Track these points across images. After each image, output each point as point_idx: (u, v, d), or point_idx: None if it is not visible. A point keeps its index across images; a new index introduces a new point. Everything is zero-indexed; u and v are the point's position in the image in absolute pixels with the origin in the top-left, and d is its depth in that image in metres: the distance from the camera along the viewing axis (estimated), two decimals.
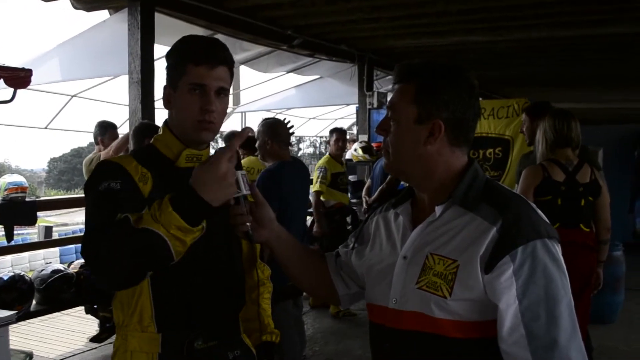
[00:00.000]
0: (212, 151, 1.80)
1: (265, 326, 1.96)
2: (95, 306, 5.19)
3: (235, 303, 1.84)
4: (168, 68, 1.72)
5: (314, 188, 6.11)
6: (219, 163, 1.45)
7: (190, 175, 1.52)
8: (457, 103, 1.44)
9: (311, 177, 6.21)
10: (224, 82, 1.68)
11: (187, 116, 1.66)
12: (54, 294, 4.28)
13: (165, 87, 1.72)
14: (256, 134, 4.24)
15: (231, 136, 6.58)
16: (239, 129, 9.09)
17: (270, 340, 1.96)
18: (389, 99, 1.54)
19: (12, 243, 5.63)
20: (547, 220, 1.39)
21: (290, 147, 4.88)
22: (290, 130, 4.32)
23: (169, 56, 1.72)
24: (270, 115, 12.27)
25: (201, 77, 1.63)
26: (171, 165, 1.72)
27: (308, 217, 5.89)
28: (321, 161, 6.62)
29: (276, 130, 4.11)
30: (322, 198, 6.31)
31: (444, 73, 1.46)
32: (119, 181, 1.58)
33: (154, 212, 1.44)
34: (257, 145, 4.22)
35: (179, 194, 1.45)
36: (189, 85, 1.64)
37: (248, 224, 1.63)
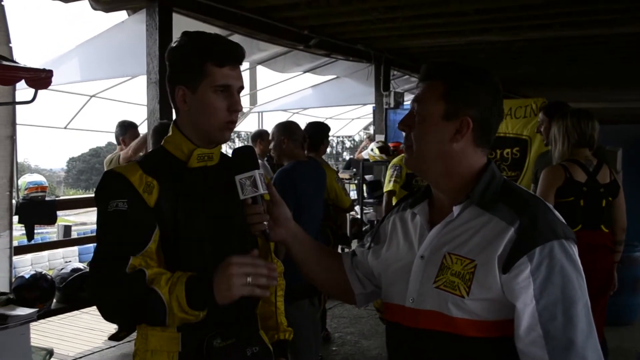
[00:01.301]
0: (224, 149, 1.82)
1: (280, 324, 1.97)
2: None
3: (251, 300, 1.84)
4: (181, 65, 1.69)
5: (386, 188, 5.66)
6: (234, 279, 1.50)
7: (201, 174, 1.63)
8: (485, 103, 1.45)
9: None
10: (242, 81, 1.71)
11: (213, 117, 1.67)
12: (73, 292, 4.33)
13: (178, 88, 1.69)
14: (271, 135, 4.26)
15: (257, 135, 6.62)
16: (258, 129, 9.12)
17: (284, 338, 1.98)
18: (406, 98, 1.55)
19: (32, 242, 5.70)
20: (564, 221, 1.39)
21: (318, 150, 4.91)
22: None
23: (179, 52, 1.69)
24: (287, 115, 12.33)
25: (226, 78, 1.65)
26: (183, 166, 1.72)
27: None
28: (396, 159, 5.99)
29: (291, 130, 4.13)
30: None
31: (472, 72, 1.47)
32: (125, 200, 1.61)
33: (172, 277, 1.54)
34: (272, 146, 4.23)
35: (199, 277, 1.55)
36: (214, 87, 1.64)
37: (265, 222, 1.64)
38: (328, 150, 5.98)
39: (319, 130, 5.27)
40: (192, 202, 1.70)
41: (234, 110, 1.67)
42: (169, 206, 1.66)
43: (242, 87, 1.70)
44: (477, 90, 1.45)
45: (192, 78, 1.66)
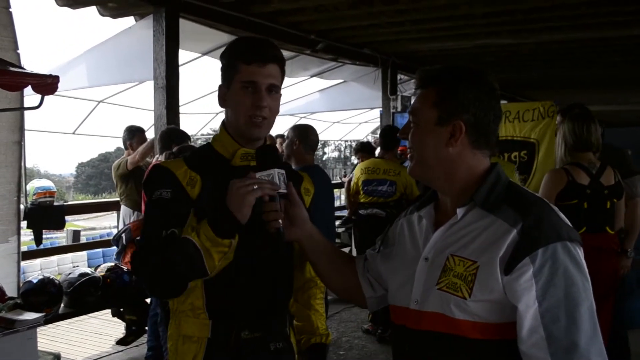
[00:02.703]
0: None
1: (315, 329, 2.02)
2: (122, 309, 5.25)
3: (282, 297, 1.89)
4: (222, 68, 1.82)
5: None
6: (241, 190, 1.60)
7: (243, 173, 1.67)
8: (477, 105, 1.45)
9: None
10: (274, 79, 1.76)
11: (240, 112, 1.75)
12: (81, 297, 4.34)
13: (220, 87, 1.82)
14: (286, 134, 4.34)
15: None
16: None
17: (320, 342, 2.02)
18: (412, 103, 1.56)
19: (41, 247, 5.73)
20: (569, 223, 1.38)
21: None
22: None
23: (222, 57, 1.82)
24: (294, 119, 12.35)
25: (252, 74, 1.72)
26: (227, 164, 1.81)
27: None
28: None
29: (306, 134, 4.20)
30: None
31: (463, 75, 1.47)
32: (169, 190, 1.73)
33: (194, 223, 1.63)
34: (284, 144, 4.30)
35: (216, 208, 1.62)
36: (241, 83, 1.73)
37: (280, 221, 1.66)
38: (335, 154, 6.17)
39: (395, 133, 5.91)
40: None
41: (258, 106, 1.73)
42: (210, 200, 1.73)
43: (273, 85, 1.75)
44: (469, 93, 1.44)
45: (227, 76, 1.78)
